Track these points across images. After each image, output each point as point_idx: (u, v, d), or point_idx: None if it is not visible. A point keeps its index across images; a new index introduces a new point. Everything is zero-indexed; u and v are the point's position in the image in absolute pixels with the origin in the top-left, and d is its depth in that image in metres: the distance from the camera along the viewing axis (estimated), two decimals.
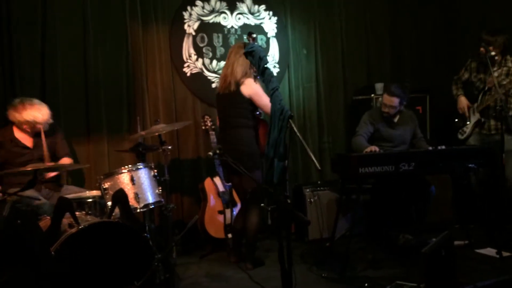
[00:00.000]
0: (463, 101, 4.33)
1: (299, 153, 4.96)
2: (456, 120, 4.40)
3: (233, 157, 2.82)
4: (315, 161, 2.42)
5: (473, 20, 5.16)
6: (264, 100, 3.42)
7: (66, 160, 3.64)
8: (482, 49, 4.01)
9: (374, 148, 3.79)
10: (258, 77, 3.36)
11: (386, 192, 4.12)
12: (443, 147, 3.57)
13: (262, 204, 3.23)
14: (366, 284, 3.15)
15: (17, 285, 1.83)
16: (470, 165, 3.45)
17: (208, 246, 4.17)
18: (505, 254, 3.56)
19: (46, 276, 2.02)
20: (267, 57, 2.81)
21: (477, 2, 5.13)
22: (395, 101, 3.98)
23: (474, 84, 4.30)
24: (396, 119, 4.14)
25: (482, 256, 3.65)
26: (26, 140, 3.52)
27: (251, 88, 3.49)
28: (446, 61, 5.46)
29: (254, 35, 3.54)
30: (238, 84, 3.48)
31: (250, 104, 3.51)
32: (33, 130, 3.48)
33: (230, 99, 3.53)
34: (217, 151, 2.58)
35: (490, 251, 3.69)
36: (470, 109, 4.30)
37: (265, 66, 2.71)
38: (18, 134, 3.51)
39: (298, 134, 2.47)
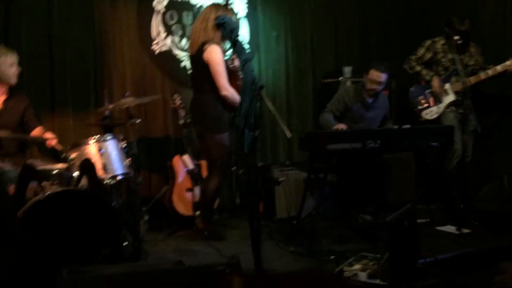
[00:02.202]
0: (438, 81, 4.37)
1: (268, 133, 5.00)
2: (421, 100, 4.45)
3: (200, 121, 2.79)
4: (284, 128, 2.44)
5: (440, 5, 5.29)
6: (219, 70, 3.30)
7: (40, 129, 3.56)
8: (456, 37, 4.09)
9: (342, 125, 3.85)
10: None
11: (350, 172, 4.19)
12: (408, 126, 3.67)
13: (233, 168, 3.25)
14: (332, 257, 3.22)
15: None
16: (433, 144, 3.57)
17: (176, 224, 4.15)
18: (465, 231, 3.70)
19: (11, 242, 1.97)
20: (238, 30, 2.80)
21: None
22: (383, 77, 4.02)
23: (441, 64, 4.39)
24: (371, 100, 4.19)
25: (443, 233, 3.77)
26: None
27: (211, 55, 3.36)
28: (412, 46, 5.57)
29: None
30: (202, 49, 3.40)
31: None
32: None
33: (195, 62, 3.50)
34: (187, 121, 2.57)
35: (450, 228, 3.82)
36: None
37: (236, 38, 2.73)
38: None
39: (268, 103, 2.49)
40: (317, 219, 3.60)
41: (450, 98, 4.33)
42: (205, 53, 3.39)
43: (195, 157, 4.21)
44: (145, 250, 3.38)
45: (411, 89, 4.48)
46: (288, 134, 2.54)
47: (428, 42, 4.48)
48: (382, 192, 4.14)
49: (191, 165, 4.18)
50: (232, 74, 3.60)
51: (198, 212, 3.86)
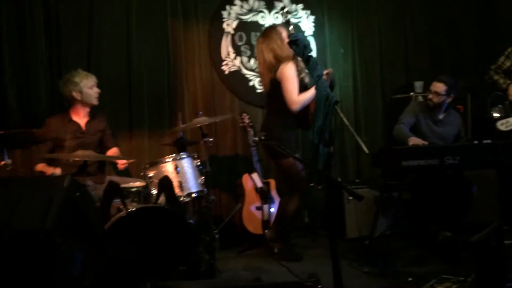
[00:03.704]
0: None
1: (336, 150, 4.92)
2: (498, 109, 4.20)
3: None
4: (361, 143, 2.39)
5: None
6: (290, 88, 3.30)
7: (116, 150, 3.74)
8: None
9: (419, 140, 3.71)
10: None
11: (427, 190, 4.03)
12: (489, 141, 3.48)
13: (311, 184, 3.21)
14: (410, 279, 3.09)
15: (71, 256, 1.87)
16: None
17: (246, 242, 4.16)
18: None
19: (99, 251, 2.05)
20: (311, 46, 2.80)
21: None
22: (442, 87, 3.88)
23: None
24: (441, 116, 4.04)
25: None
26: (81, 123, 3.62)
27: (284, 73, 3.37)
28: (486, 60, 5.34)
29: (286, 9, 3.62)
30: (275, 70, 3.41)
31: None
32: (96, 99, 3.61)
33: (269, 85, 3.53)
34: (262, 137, 2.59)
35: None
36: None
37: (310, 54, 2.73)
38: (75, 117, 3.62)
39: (344, 119, 2.46)
40: (391, 239, 3.48)
41: None
42: (278, 71, 3.42)
43: (264, 175, 4.23)
44: (217, 268, 3.41)
45: (489, 97, 4.27)
46: (366, 149, 2.48)
47: (509, 50, 4.27)
48: (461, 211, 3.94)
49: (260, 183, 4.19)
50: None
51: (268, 232, 3.81)
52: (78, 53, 4.07)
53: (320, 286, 2.12)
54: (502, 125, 4.14)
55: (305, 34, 4.89)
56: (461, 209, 3.95)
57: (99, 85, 3.75)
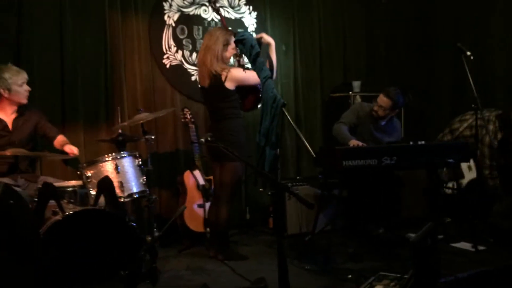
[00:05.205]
0: None
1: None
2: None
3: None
4: (309, 148, 2.41)
5: (447, 17, 5.31)
6: (251, 80, 3.39)
7: (61, 138, 3.53)
8: None
9: (358, 142, 3.81)
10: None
11: (364, 187, 4.16)
12: (423, 142, 3.64)
13: (260, 189, 3.20)
14: (349, 276, 3.18)
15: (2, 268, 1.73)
16: (449, 160, 3.54)
17: (187, 240, 4.09)
18: (480, 247, 3.67)
19: (33, 260, 1.92)
20: (258, 46, 2.78)
21: (450, 3, 5.29)
22: (388, 103, 3.97)
23: None
24: (383, 123, 4.16)
25: (458, 250, 3.74)
26: (8, 121, 3.38)
27: (236, 79, 3.45)
28: (420, 61, 5.61)
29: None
30: (219, 78, 3.43)
31: (237, 91, 3.49)
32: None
33: (214, 93, 3.50)
34: (208, 138, 2.54)
35: (465, 245, 3.79)
36: None
37: (257, 54, 2.71)
38: (1, 114, 3.36)
39: (292, 122, 2.47)
40: (331, 234, 3.56)
41: None
42: (227, 82, 3.43)
43: (205, 172, 4.17)
44: (158, 270, 3.32)
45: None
46: (313, 153, 2.50)
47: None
48: (394, 208, 4.11)
49: (202, 181, 4.13)
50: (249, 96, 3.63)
51: (211, 252, 3.73)
52: (6, 44, 3.79)
53: None
54: None
55: (248, 29, 4.86)
56: (394, 207, 4.13)
57: (30, 79, 3.50)
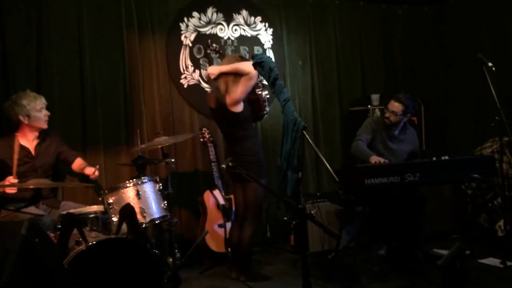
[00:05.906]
0: None
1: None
2: None
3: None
4: (332, 172, 2.37)
5: (465, 31, 5.23)
6: (250, 83, 3.37)
7: (80, 161, 3.58)
8: None
9: (379, 158, 3.74)
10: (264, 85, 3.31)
11: (388, 204, 4.09)
12: (446, 157, 3.57)
13: (285, 218, 3.17)
14: None
15: None
16: (474, 175, 3.46)
17: (208, 261, 4.07)
18: (509, 263, 3.57)
19: None
20: (276, 68, 2.76)
21: (468, 14, 5.21)
22: (399, 107, 3.92)
23: None
24: (396, 132, 4.09)
25: (486, 266, 3.65)
26: (30, 147, 3.42)
27: (237, 100, 3.42)
28: (438, 73, 5.53)
29: (214, 45, 3.80)
30: (225, 105, 3.44)
31: (246, 111, 3.48)
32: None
33: (222, 116, 3.51)
34: (230, 164, 2.52)
35: (493, 261, 3.70)
36: None
37: (276, 77, 2.69)
38: (23, 140, 3.41)
39: (313, 144, 2.44)
40: (356, 253, 3.50)
41: None
42: (233, 107, 3.42)
43: (225, 191, 4.15)
44: None
45: None
46: (336, 178, 2.46)
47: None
48: (418, 224, 4.02)
49: (222, 200, 4.11)
50: (256, 103, 3.60)
51: (233, 274, 3.69)
52: (27, 72, 3.83)
53: None
54: None
55: (264, 46, 4.86)
56: (417, 222, 4.03)
57: (50, 104, 3.55)
